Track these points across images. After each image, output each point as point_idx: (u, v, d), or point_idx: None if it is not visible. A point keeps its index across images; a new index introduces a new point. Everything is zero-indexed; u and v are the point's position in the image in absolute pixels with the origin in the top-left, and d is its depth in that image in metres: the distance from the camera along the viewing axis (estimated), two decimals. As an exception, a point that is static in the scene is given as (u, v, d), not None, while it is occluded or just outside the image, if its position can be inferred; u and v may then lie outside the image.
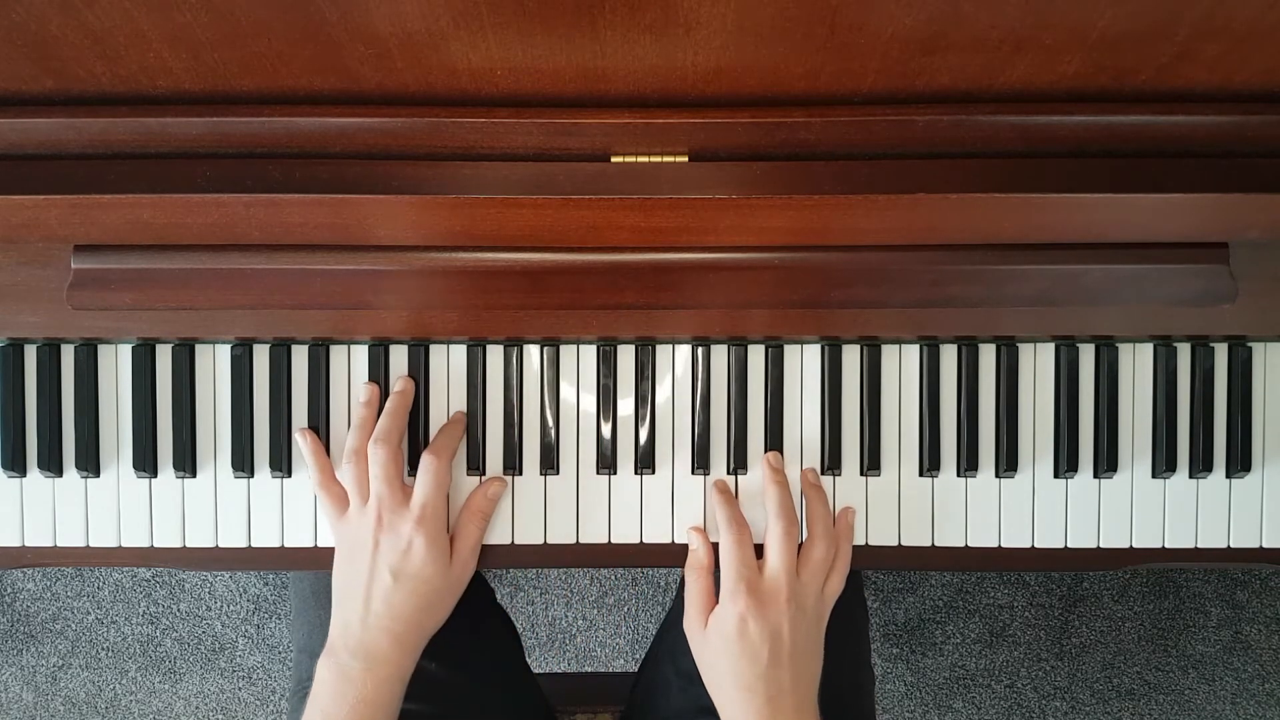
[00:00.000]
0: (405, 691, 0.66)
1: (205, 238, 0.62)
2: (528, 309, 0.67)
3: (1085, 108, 0.60)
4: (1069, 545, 0.72)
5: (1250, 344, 0.72)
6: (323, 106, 0.60)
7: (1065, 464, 0.71)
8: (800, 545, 0.69)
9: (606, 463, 0.71)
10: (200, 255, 0.65)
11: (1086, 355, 0.72)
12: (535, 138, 0.60)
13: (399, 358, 0.72)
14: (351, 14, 0.51)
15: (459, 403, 0.72)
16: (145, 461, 0.71)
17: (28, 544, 0.71)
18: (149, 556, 0.71)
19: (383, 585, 0.65)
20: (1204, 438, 0.71)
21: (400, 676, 0.65)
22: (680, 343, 0.72)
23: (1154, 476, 0.72)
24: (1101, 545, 0.72)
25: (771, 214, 0.61)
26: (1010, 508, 0.72)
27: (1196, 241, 0.65)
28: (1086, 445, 0.72)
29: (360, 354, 0.71)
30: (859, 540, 0.72)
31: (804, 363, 0.72)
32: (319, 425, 0.71)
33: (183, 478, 0.71)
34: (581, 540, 0.72)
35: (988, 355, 0.72)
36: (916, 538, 0.72)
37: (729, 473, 0.72)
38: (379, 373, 0.71)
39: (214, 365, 0.71)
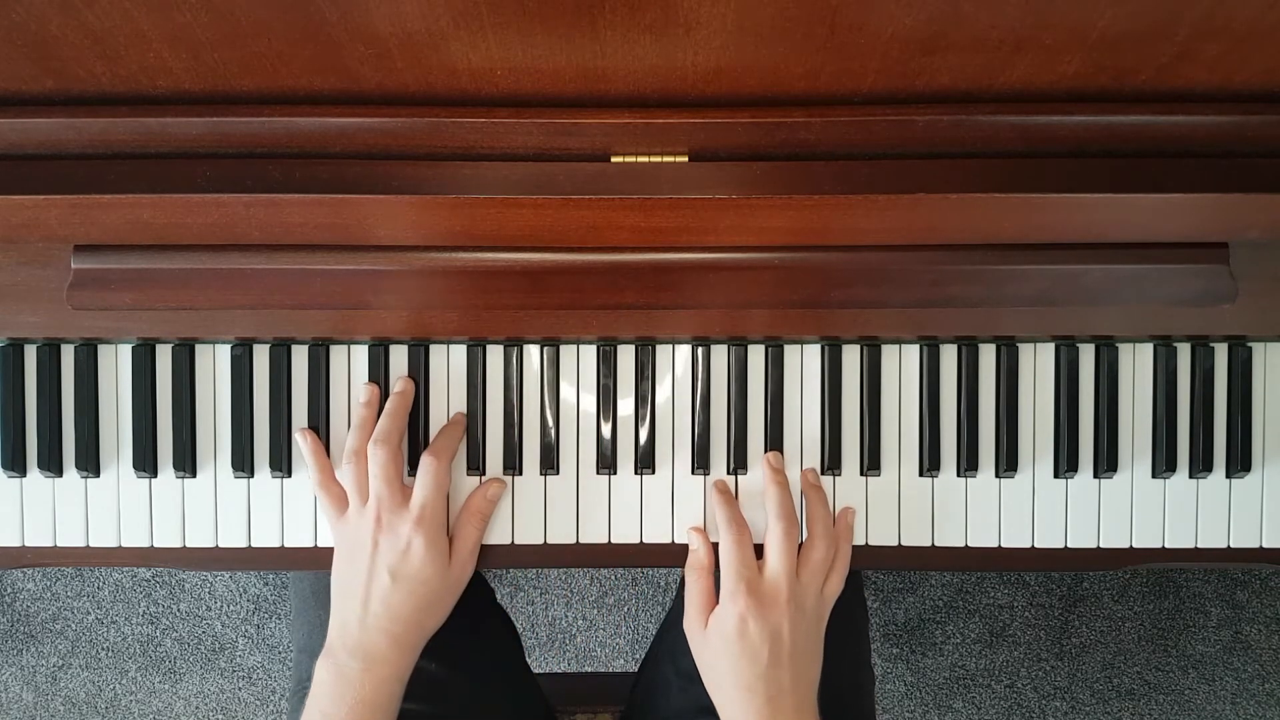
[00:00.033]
0: (404, 692, 0.66)
1: (205, 238, 0.62)
2: (528, 309, 0.67)
3: (1085, 108, 0.60)
4: (1069, 545, 0.72)
5: (1250, 344, 0.72)
6: (323, 106, 0.60)
7: (1065, 464, 0.71)
8: (800, 545, 0.69)
9: (606, 463, 0.71)
10: (200, 255, 0.65)
11: (1086, 355, 0.72)
12: (535, 138, 0.60)
13: (399, 358, 0.72)
14: (351, 14, 0.51)
15: (459, 403, 0.72)
16: (145, 461, 0.71)
17: (28, 544, 0.71)
18: (149, 556, 0.71)
19: (381, 586, 0.65)
20: (1204, 438, 0.71)
21: (399, 677, 0.65)
22: (680, 343, 0.72)
23: (1154, 476, 0.72)
24: (1101, 545, 0.72)
25: (771, 214, 0.61)
26: (1010, 508, 0.72)
27: (1196, 241, 0.65)
28: (1086, 445, 0.72)
29: (360, 354, 0.72)
30: (859, 540, 0.72)
31: (804, 363, 0.72)
32: (319, 425, 0.71)
33: (183, 478, 0.71)
34: (581, 540, 0.72)
35: (988, 355, 0.72)
36: (916, 538, 0.72)
37: (729, 473, 0.72)
38: (379, 373, 0.71)
39: (214, 365, 0.71)
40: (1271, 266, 0.68)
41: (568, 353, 0.72)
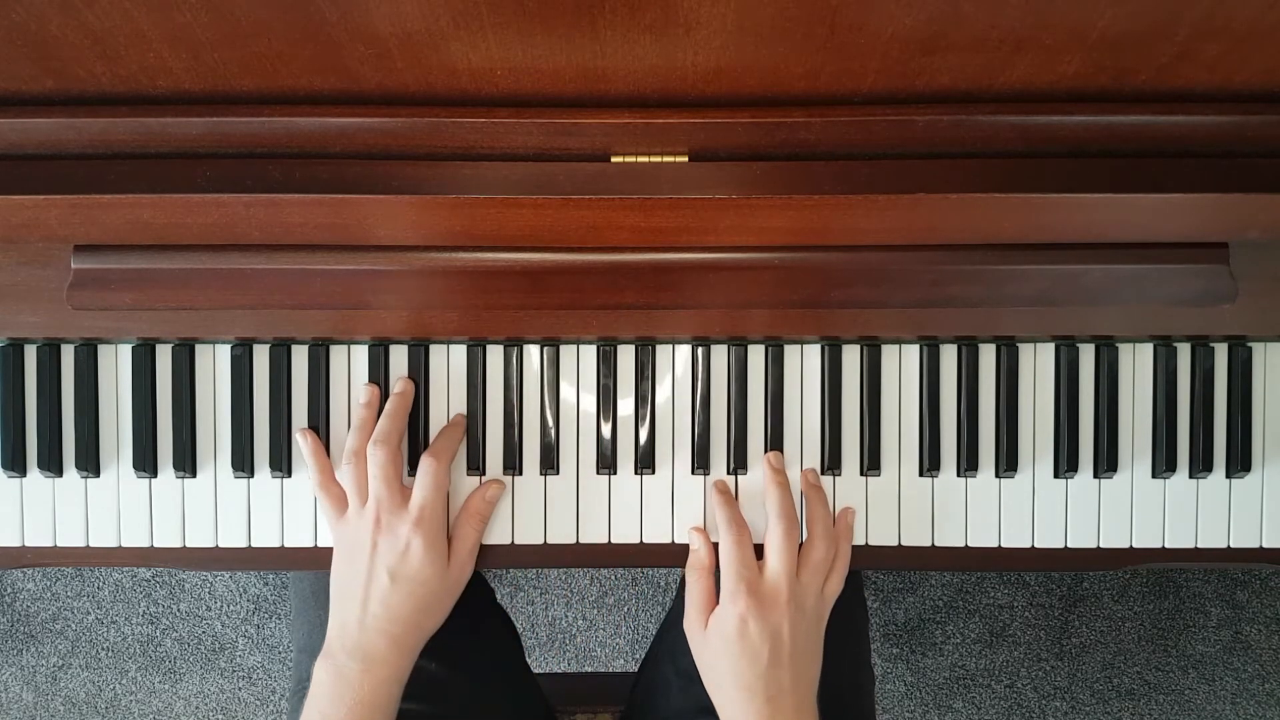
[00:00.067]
0: (403, 693, 0.66)
1: (205, 238, 0.62)
2: (528, 309, 0.67)
3: (1085, 108, 0.60)
4: (1069, 545, 0.72)
5: (1250, 344, 0.72)
6: (323, 106, 0.60)
7: (1065, 464, 0.71)
8: (800, 545, 0.69)
9: (606, 463, 0.71)
10: (200, 255, 0.65)
11: (1086, 355, 0.72)
12: (535, 138, 0.60)
13: (399, 358, 0.72)
14: (351, 14, 0.51)
15: (459, 403, 0.72)
16: (145, 461, 0.71)
17: (28, 544, 0.71)
18: (149, 556, 0.71)
19: (380, 586, 0.65)
20: (1204, 438, 0.71)
21: (397, 678, 0.65)
22: (680, 343, 0.72)
23: (1154, 476, 0.72)
24: (1101, 545, 0.72)
25: (771, 214, 0.61)
26: (1010, 508, 0.72)
27: (1196, 241, 0.65)
28: (1086, 445, 0.72)
29: (360, 354, 0.72)
30: (859, 540, 0.72)
31: (804, 363, 0.72)
32: (319, 425, 0.71)
33: (183, 478, 0.71)
34: (581, 540, 0.72)
35: (988, 355, 0.72)
36: (916, 538, 0.72)
37: (729, 473, 0.72)
38: (379, 373, 0.71)
39: (214, 365, 0.71)
40: (1271, 266, 0.68)
41: (568, 353, 0.72)
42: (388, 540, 0.66)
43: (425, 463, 0.67)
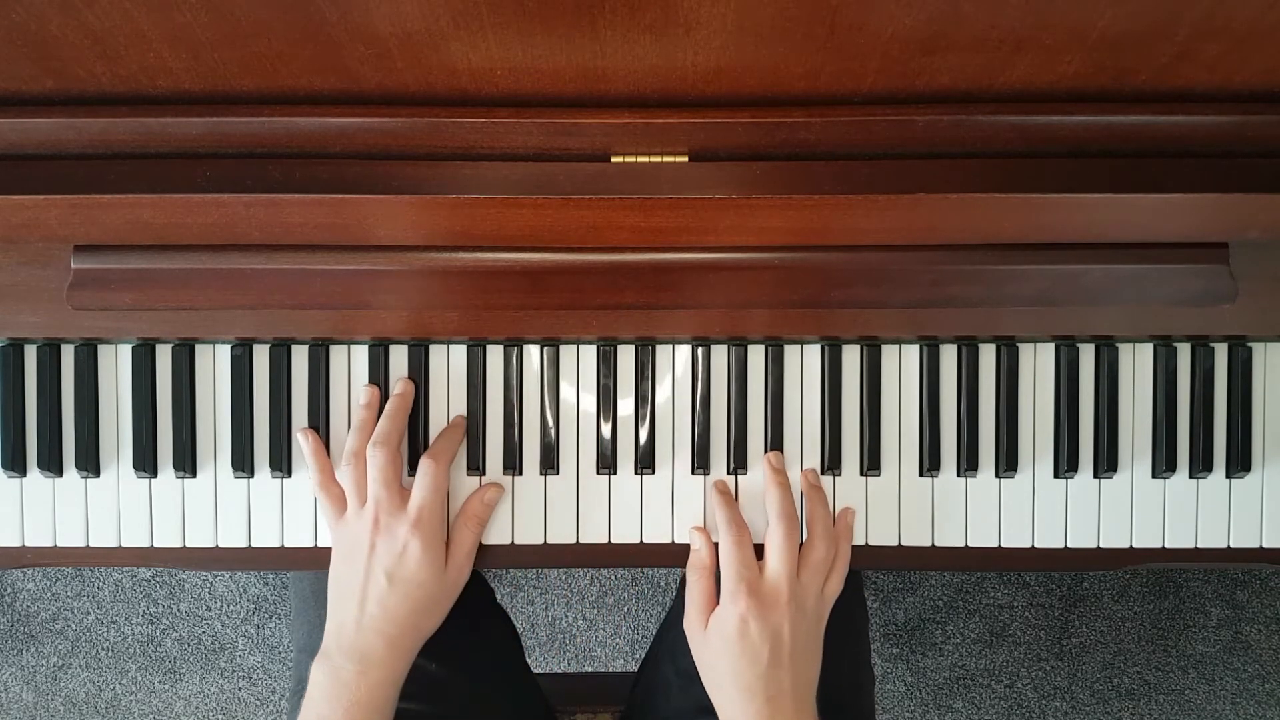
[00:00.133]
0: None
1: (205, 238, 0.62)
2: (528, 309, 0.67)
3: (1085, 108, 0.60)
4: (1069, 545, 0.72)
5: (1250, 344, 0.72)
6: (323, 106, 0.60)
7: (1065, 464, 0.71)
8: (800, 546, 0.69)
9: (606, 463, 0.71)
10: (200, 255, 0.65)
11: (1086, 355, 0.72)
12: (535, 138, 0.60)
13: (399, 358, 0.72)
14: (351, 14, 0.51)
15: (459, 403, 0.72)
16: (145, 461, 0.71)
17: (28, 544, 0.71)
18: (149, 556, 0.71)
19: (378, 587, 0.65)
20: (1204, 438, 0.71)
21: (394, 680, 0.65)
22: (680, 343, 0.72)
23: (1154, 476, 0.72)
24: (1101, 545, 0.72)
25: (771, 214, 0.61)
26: (1010, 508, 0.72)
27: (1196, 241, 0.65)
28: (1086, 445, 0.72)
29: (360, 354, 0.72)
30: (859, 540, 0.72)
31: (804, 363, 0.72)
32: (319, 425, 0.71)
33: (183, 478, 0.71)
34: (581, 540, 0.72)
35: (988, 355, 0.72)
36: (916, 538, 0.72)
37: (729, 473, 0.72)
38: (379, 373, 0.71)
39: (214, 365, 0.71)
40: (1271, 266, 0.68)
41: (568, 353, 0.72)
42: (386, 541, 0.66)
43: (424, 464, 0.67)
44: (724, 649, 0.65)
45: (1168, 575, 1.44)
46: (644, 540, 0.72)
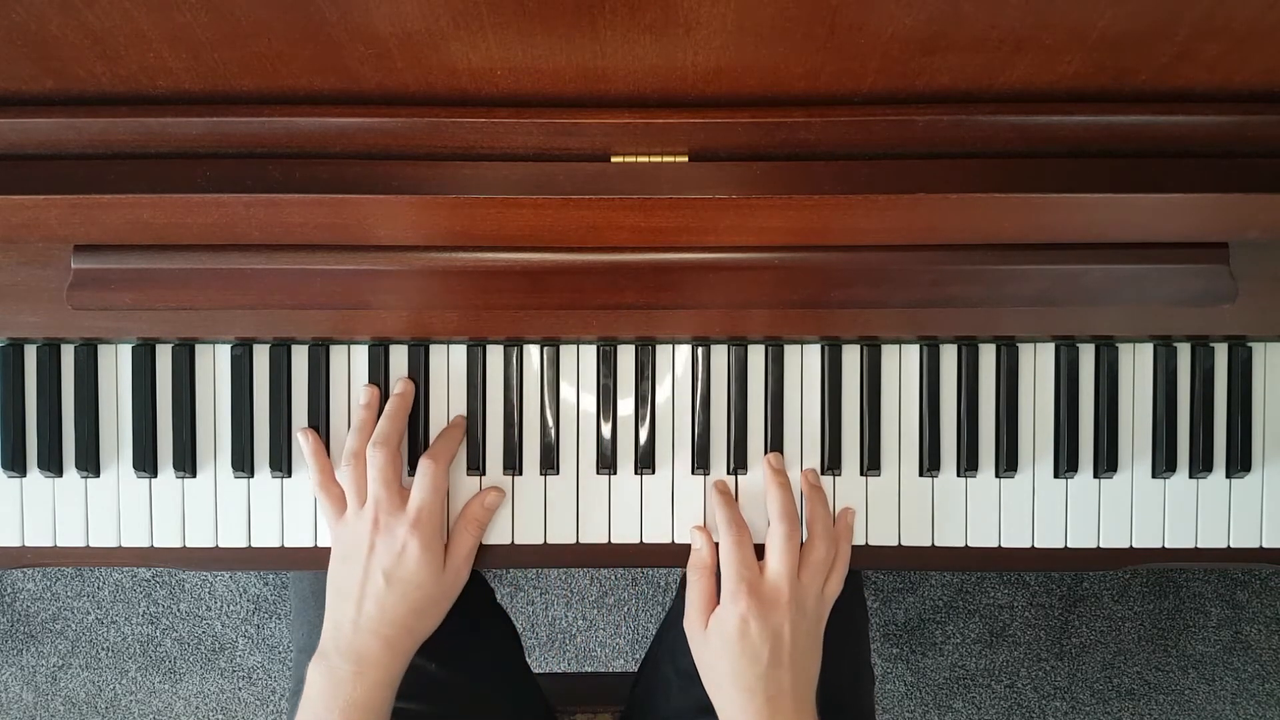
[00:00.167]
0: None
1: (205, 238, 0.62)
2: (528, 309, 0.67)
3: (1085, 108, 0.60)
4: (1069, 545, 0.72)
5: (1250, 344, 0.72)
6: (323, 106, 0.60)
7: (1065, 464, 0.71)
8: (800, 546, 0.69)
9: (606, 463, 0.71)
10: (200, 255, 0.65)
11: (1086, 355, 0.72)
12: (535, 138, 0.60)
13: (399, 358, 0.72)
14: (351, 14, 0.51)
15: (459, 403, 0.72)
16: (145, 461, 0.71)
17: (28, 544, 0.71)
18: (149, 556, 0.71)
19: (376, 587, 0.65)
20: (1204, 438, 0.71)
21: (390, 681, 0.65)
22: (680, 343, 0.72)
23: (1154, 476, 0.72)
24: (1101, 545, 0.72)
25: (771, 214, 0.61)
26: (1010, 508, 0.72)
27: (1196, 241, 0.65)
28: (1086, 445, 0.72)
29: (360, 354, 0.72)
30: (859, 540, 0.72)
31: (804, 363, 0.72)
32: (319, 425, 0.71)
33: (183, 478, 0.71)
34: (581, 540, 0.72)
35: (988, 355, 0.72)
36: (916, 538, 0.72)
37: (729, 473, 0.72)
38: (379, 373, 0.71)
39: (214, 365, 0.71)
40: (1271, 266, 0.68)
41: (568, 353, 0.72)
42: (385, 541, 0.66)
43: (424, 465, 0.67)
44: (724, 649, 0.65)
45: (1168, 575, 1.44)
46: (644, 540, 0.72)
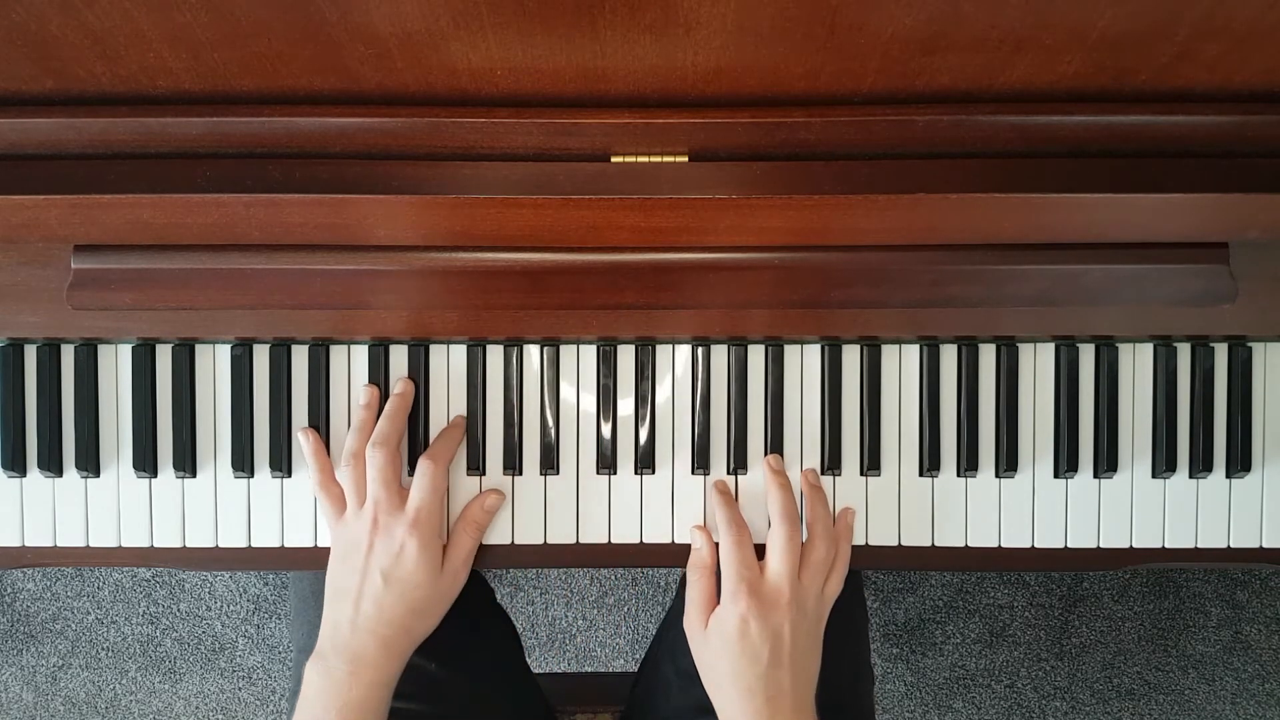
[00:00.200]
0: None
1: (205, 238, 0.62)
2: (528, 309, 0.67)
3: (1085, 108, 0.60)
4: (1069, 545, 0.72)
5: (1250, 344, 0.72)
6: (323, 106, 0.60)
7: (1065, 464, 0.71)
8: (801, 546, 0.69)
9: (606, 463, 0.71)
10: (200, 255, 0.65)
11: (1086, 355, 0.72)
12: (535, 138, 0.60)
13: (399, 358, 0.72)
14: (351, 14, 0.51)
15: (459, 403, 0.72)
16: (145, 461, 0.71)
17: (28, 544, 0.71)
18: (149, 556, 0.71)
19: (374, 587, 0.65)
20: (1204, 438, 0.71)
21: (386, 682, 0.65)
22: (680, 343, 0.72)
23: (1154, 476, 0.72)
24: (1101, 545, 0.72)
25: (771, 214, 0.61)
26: (1010, 508, 0.72)
27: (1196, 241, 0.65)
28: (1086, 445, 0.72)
29: (360, 354, 0.72)
30: (859, 540, 0.72)
31: (804, 363, 0.72)
32: (319, 425, 0.71)
33: (183, 478, 0.71)
34: (581, 540, 0.72)
35: (988, 355, 0.72)
36: (916, 538, 0.72)
37: (729, 473, 0.72)
38: (379, 373, 0.71)
39: (214, 365, 0.71)
40: (1271, 266, 0.68)
41: (568, 353, 0.72)
42: (384, 541, 0.66)
43: (423, 465, 0.67)
44: (724, 649, 0.65)
45: (1168, 575, 1.44)
46: (644, 540, 0.72)
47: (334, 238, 0.63)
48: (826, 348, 0.72)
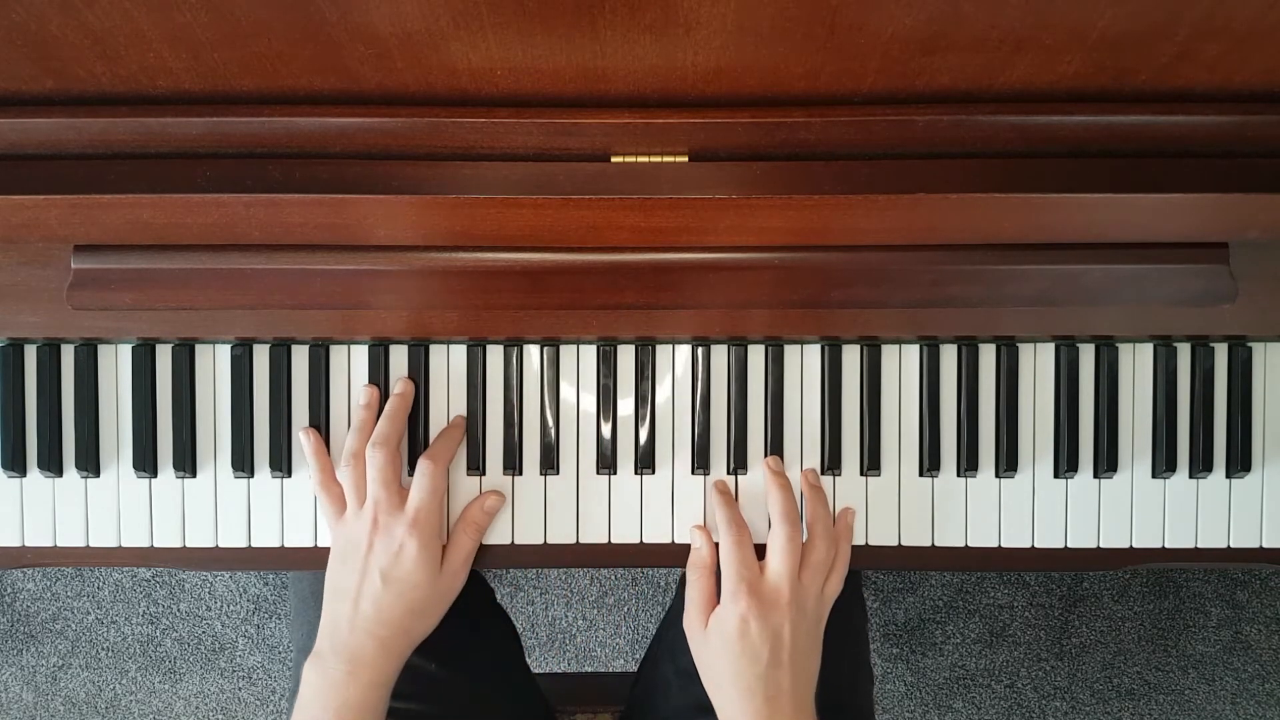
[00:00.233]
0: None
1: (205, 238, 0.62)
2: (528, 309, 0.67)
3: (1085, 108, 0.60)
4: (1069, 545, 0.72)
5: (1250, 344, 0.72)
6: (323, 106, 0.60)
7: (1065, 464, 0.71)
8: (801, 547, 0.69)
9: (606, 463, 0.71)
10: (200, 255, 0.65)
11: (1086, 355, 0.72)
12: (535, 138, 0.60)
13: (399, 358, 0.72)
14: (351, 14, 0.51)
15: (459, 403, 0.72)
16: (145, 461, 0.71)
17: (28, 544, 0.71)
18: (149, 556, 0.71)
19: (373, 587, 0.65)
20: (1204, 438, 0.71)
21: (384, 682, 0.65)
22: (680, 343, 0.72)
23: (1154, 476, 0.72)
24: (1101, 545, 0.72)
25: (771, 214, 0.61)
26: (1010, 508, 0.72)
27: (1196, 241, 0.65)
28: (1086, 445, 0.72)
29: (360, 354, 0.72)
30: (859, 540, 0.72)
31: (804, 363, 0.72)
32: (319, 425, 0.71)
33: (183, 478, 0.71)
34: (581, 540, 0.72)
35: (988, 355, 0.72)
36: (916, 538, 0.72)
37: (729, 473, 0.72)
38: (379, 373, 0.71)
39: (214, 365, 0.71)
40: (1271, 266, 0.68)
41: (568, 353, 0.72)
42: (383, 541, 0.66)
43: (423, 465, 0.67)
44: (724, 648, 0.65)
45: (1168, 575, 1.44)
46: (644, 540, 0.72)
47: (334, 238, 0.63)
48: (826, 348, 0.72)
